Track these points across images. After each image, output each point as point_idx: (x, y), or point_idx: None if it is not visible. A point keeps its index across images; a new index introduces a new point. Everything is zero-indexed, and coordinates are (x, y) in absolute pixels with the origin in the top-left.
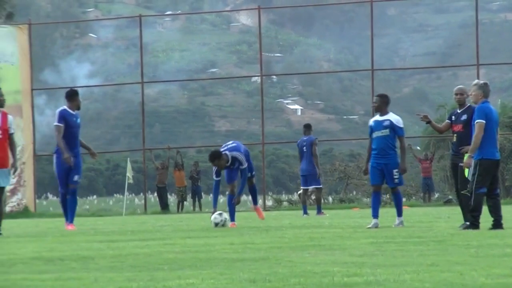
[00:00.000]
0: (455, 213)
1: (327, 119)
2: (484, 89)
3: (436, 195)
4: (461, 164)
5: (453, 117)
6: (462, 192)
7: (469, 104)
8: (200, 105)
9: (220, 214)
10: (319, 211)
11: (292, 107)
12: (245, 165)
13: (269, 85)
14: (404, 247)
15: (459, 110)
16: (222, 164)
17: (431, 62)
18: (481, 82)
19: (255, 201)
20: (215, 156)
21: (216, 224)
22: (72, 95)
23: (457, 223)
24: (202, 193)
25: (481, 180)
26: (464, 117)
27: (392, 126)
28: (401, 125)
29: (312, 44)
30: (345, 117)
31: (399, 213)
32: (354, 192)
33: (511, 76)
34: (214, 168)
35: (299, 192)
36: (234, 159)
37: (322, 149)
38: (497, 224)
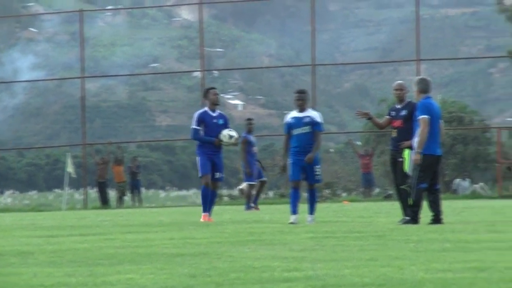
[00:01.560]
0: (395, 208)
1: (268, 114)
2: (420, 85)
3: (376, 190)
4: (400, 159)
5: (392, 112)
6: (401, 187)
7: (409, 100)
8: (141, 100)
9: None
10: (248, 207)
11: (233, 102)
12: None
13: (210, 80)
14: (344, 242)
15: (399, 105)
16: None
17: (372, 57)
18: (416, 78)
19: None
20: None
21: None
22: None
23: (397, 218)
24: (142, 188)
25: (422, 176)
26: (404, 112)
27: (312, 123)
28: (321, 121)
29: (253, 39)
30: (286, 112)
31: (312, 211)
32: None
33: (451, 72)
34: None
35: (239, 187)
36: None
37: (263, 144)
38: (437, 219)
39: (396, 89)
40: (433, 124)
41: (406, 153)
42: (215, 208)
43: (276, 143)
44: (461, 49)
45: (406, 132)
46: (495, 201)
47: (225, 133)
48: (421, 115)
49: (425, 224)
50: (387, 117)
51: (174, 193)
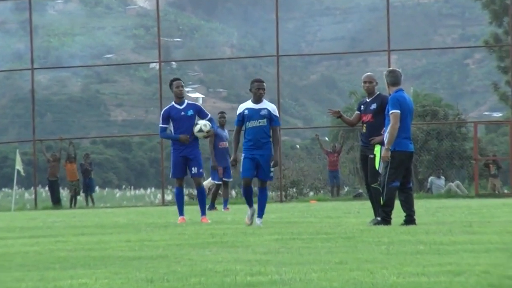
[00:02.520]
0: (365, 207)
1: (230, 108)
2: (390, 77)
3: (346, 189)
4: (371, 156)
5: (362, 106)
6: (372, 185)
7: (378, 93)
8: (95, 93)
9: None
10: (211, 207)
11: (193, 95)
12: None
13: (168, 71)
14: (311, 244)
15: (368, 99)
16: None
17: (340, 48)
18: (386, 70)
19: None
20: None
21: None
22: None
23: (367, 218)
24: (96, 187)
25: (394, 173)
26: (374, 106)
27: (269, 116)
28: (277, 114)
29: (214, 29)
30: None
31: (262, 213)
32: None
33: (424, 63)
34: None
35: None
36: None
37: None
38: (410, 219)
39: (365, 82)
40: (404, 118)
41: (378, 149)
42: (175, 208)
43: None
44: (434, 38)
45: (377, 126)
46: (472, 200)
47: (200, 123)
48: (392, 109)
49: (397, 225)
50: (357, 112)
51: (131, 192)
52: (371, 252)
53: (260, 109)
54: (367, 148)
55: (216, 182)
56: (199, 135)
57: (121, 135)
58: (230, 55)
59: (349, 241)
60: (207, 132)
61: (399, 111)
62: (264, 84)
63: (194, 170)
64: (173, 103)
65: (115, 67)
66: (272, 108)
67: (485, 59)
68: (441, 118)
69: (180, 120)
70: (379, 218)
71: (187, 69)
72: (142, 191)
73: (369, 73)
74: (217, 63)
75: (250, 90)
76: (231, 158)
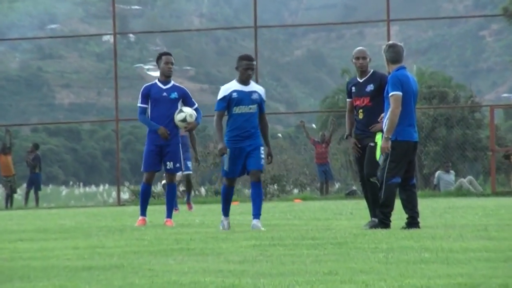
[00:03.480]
0: (360, 208)
1: (199, 89)
2: (389, 53)
3: (336, 185)
4: (371, 144)
5: (353, 88)
6: (370, 179)
7: (372, 70)
8: (37, 71)
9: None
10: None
11: (154, 73)
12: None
13: (125, 46)
14: (294, 251)
15: (361, 78)
16: None
17: (330, 17)
18: (385, 45)
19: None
20: None
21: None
22: None
23: (362, 220)
24: (42, 184)
25: (395, 167)
26: (371, 87)
27: (260, 101)
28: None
29: None
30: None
31: (259, 213)
32: None
33: (431, 35)
34: None
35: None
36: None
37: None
38: (413, 222)
39: (358, 57)
40: (407, 102)
41: (379, 136)
42: (133, 209)
43: (209, 125)
44: (443, 6)
45: (377, 112)
46: (488, 199)
47: (186, 112)
48: (392, 91)
49: (398, 229)
50: (348, 100)
51: (80, 189)
52: (366, 260)
53: (250, 92)
54: (366, 136)
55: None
56: (180, 124)
57: (68, 122)
58: (199, 26)
59: (340, 248)
60: (188, 124)
61: (400, 93)
62: (254, 63)
63: (170, 164)
64: (157, 80)
65: (61, 40)
66: (262, 91)
67: (504, 31)
68: (451, 101)
69: (160, 101)
70: (376, 220)
71: (147, 42)
72: (93, 188)
73: (361, 48)
74: (183, 35)
75: (237, 68)
76: (219, 147)
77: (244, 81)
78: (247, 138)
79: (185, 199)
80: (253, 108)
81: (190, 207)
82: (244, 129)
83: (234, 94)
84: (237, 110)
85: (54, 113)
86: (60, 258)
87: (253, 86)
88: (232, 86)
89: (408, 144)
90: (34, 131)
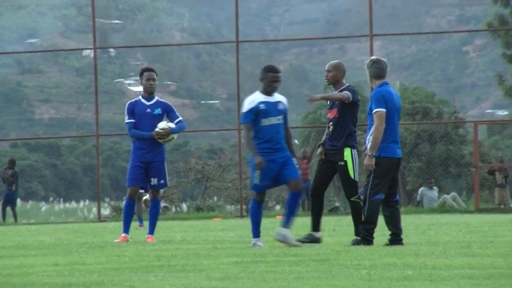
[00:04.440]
0: (342, 224)
1: (180, 104)
2: (373, 69)
3: None
4: (341, 163)
5: (328, 101)
6: (352, 199)
7: (347, 84)
8: (16, 86)
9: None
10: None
11: (135, 89)
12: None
13: (106, 60)
14: (277, 268)
15: (335, 91)
16: None
17: (312, 32)
18: (368, 60)
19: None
20: None
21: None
22: None
23: (345, 237)
24: (18, 200)
25: (378, 184)
26: None
27: (285, 112)
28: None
29: (160, 9)
30: (203, 102)
31: (290, 222)
32: (215, 198)
33: (414, 50)
34: None
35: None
36: None
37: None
38: (396, 238)
39: (329, 71)
40: (390, 118)
41: (348, 153)
42: (113, 225)
43: (191, 141)
44: (426, 21)
45: (342, 124)
46: (471, 216)
47: (159, 126)
48: (376, 107)
49: (380, 245)
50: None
51: (59, 205)
52: (349, 278)
53: (276, 103)
54: (334, 153)
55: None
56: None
57: (47, 137)
58: (180, 41)
59: (322, 265)
60: (163, 129)
61: (384, 110)
62: (280, 74)
63: (154, 181)
64: (140, 97)
65: (41, 55)
66: (285, 101)
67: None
68: (434, 117)
69: (144, 118)
70: (358, 238)
71: (127, 57)
72: (73, 204)
73: (333, 61)
74: (164, 50)
75: (261, 80)
76: (257, 161)
77: (269, 92)
78: (278, 150)
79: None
80: (280, 119)
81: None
82: (275, 140)
83: (262, 106)
84: (266, 122)
85: (33, 128)
86: (40, 275)
87: (277, 97)
88: (257, 98)
89: (392, 161)
90: (13, 146)
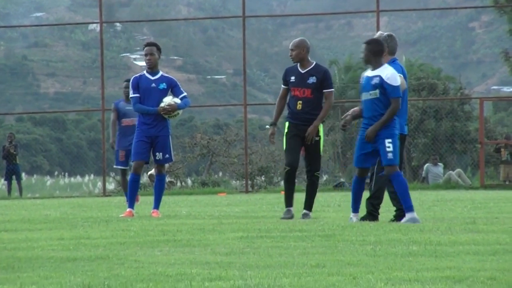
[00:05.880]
0: (348, 200)
1: (186, 79)
2: (391, 43)
3: (324, 177)
4: (316, 139)
5: (292, 78)
6: (315, 173)
7: (315, 63)
8: (22, 60)
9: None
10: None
11: (140, 63)
12: None
13: (112, 34)
14: (282, 243)
15: (302, 69)
16: None
17: (319, 8)
18: (385, 34)
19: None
20: None
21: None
22: None
23: (350, 213)
24: (22, 173)
25: None
26: (313, 79)
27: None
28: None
29: None
30: (209, 77)
31: (357, 208)
32: (220, 173)
33: (420, 27)
34: None
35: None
36: None
37: (180, 118)
38: (401, 214)
39: (291, 49)
40: (402, 97)
41: (321, 129)
42: (119, 199)
43: (197, 116)
44: None
45: (315, 104)
46: (476, 192)
47: (165, 101)
48: (397, 94)
49: (386, 221)
50: (284, 87)
51: (65, 180)
52: (354, 253)
53: (372, 77)
54: (306, 126)
55: (119, 167)
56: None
57: (53, 111)
58: (187, 15)
59: (328, 240)
60: (169, 105)
61: (401, 96)
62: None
63: (159, 155)
64: (145, 72)
65: (47, 29)
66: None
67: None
68: (440, 93)
69: (149, 92)
70: (307, 212)
71: (134, 31)
72: (78, 178)
73: (296, 39)
74: (170, 25)
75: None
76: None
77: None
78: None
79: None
80: (373, 94)
81: (137, 199)
82: (368, 116)
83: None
84: (362, 96)
85: (39, 102)
86: (45, 249)
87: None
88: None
89: (401, 138)
90: (18, 120)
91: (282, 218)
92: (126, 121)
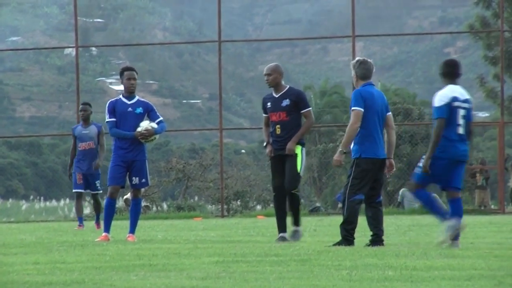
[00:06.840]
0: (324, 224)
1: (162, 104)
2: (360, 69)
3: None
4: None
5: (268, 104)
6: (292, 191)
7: (288, 86)
8: None
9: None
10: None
11: (116, 88)
12: None
13: (87, 59)
14: (258, 267)
15: (276, 94)
16: None
17: (294, 33)
18: (355, 60)
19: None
20: None
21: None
22: None
23: (326, 237)
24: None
25: (357, 184)
26: (286, 102)
27: None
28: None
29: (142, 8)
30: (185, 101)
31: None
32: (196, 198)
33: (396, 52)
34: None
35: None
36: None
37: (156, 142)
38: (377, 239)
39: (266, 74)
40: (370, 118)
41: (299, 148)
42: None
43: (172, 140)
44: (408, 22)
45: (293, 126)
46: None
47: (142, 125)
48: (353, 106)
49: (362, 246)
50: (265, 115)
51: (40, 204)
52: (329, 278)
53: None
54: (282, 148)
55: (76, 190)
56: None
57: (28, 135)
58: (162, 40)
59: (303, 265)
60: (146, 130)
61: (361, 109)
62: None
63: (135, 180)
64: (121, 96)
65: (22, 53)
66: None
67: (470, 48)
68: (415, 118)
69: (126, 117)
70: (297, 228)
71: (109, 56)
72: (54, 203)
73: (271, 64)
74: (146, 49)
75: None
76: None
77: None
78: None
79: (95, 219)
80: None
81: (98, 227)
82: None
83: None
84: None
85: (14, 126)
86: (20, 273)
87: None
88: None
89: (373, 162)
90: None
91: (276, 241)
92: (83, 145)
